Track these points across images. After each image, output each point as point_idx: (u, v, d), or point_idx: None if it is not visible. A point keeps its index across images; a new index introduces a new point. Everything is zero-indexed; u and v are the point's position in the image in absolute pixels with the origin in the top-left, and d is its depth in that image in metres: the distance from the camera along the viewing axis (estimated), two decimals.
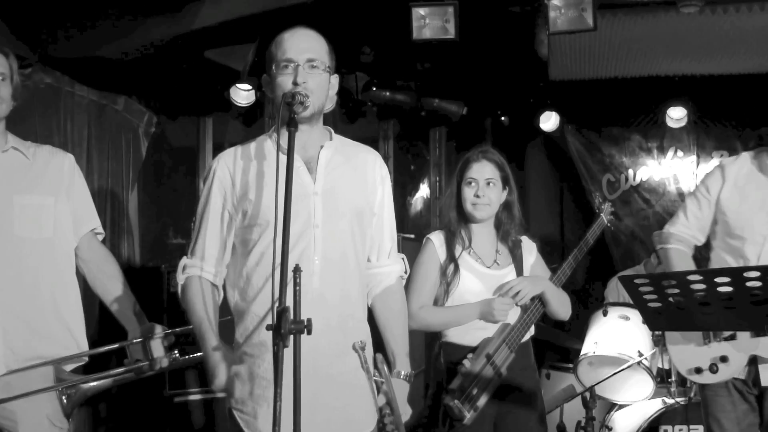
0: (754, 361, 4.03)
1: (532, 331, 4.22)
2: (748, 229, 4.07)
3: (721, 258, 4.21)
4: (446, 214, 4.27)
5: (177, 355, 3.63)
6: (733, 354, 4.02)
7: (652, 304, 2.60)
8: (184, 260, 3.16)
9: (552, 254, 4.89)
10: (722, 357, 4.03)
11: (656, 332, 5.26)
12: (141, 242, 7.21)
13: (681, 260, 4.30)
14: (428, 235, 4.24)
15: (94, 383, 3.58)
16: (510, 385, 4.05)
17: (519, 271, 4.23)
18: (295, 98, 2.89)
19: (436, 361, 4.15)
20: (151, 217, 7.55)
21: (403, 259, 3.43)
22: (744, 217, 4.10)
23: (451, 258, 4.13)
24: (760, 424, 4.08)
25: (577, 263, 4.47)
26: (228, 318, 3.22)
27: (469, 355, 4.00)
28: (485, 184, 4.16)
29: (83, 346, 3.71)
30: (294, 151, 2.75)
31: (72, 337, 3.67)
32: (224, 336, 3.09)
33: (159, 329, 3.66)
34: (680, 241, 4.35)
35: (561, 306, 4.28)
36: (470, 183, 4.17)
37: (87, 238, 3.79)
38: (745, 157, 4.25)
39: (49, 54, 5.99)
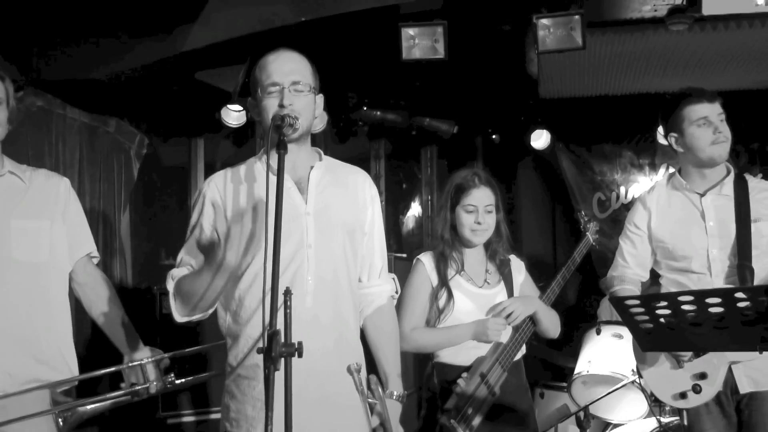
0: (729, 369, 3.98)
1: (523, 349, 4.23)
2: (689, 247, 4.07)
3: (672, 283, 4.20)
4: (439, 237, 4.25)
5: (173, 378, 3.62)
6: (711, 368, 3.97)
7: (643, 325, 2.60)
8: (170, 273, 3.16)
9: (543, 275, 4.89)
10: (701, 374, 3.96)
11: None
12: (133, 263, 7.19)
13: None
14: (418, 256, 4.24)
15: (91, 406, 3.56)
16: (503, 405, 4.04)
17: (509, 290, 4.25)
18: (285, 120, 2.90)
19: (429, 381, 4.13)
20: (143, 238, 7.53)
21: (393, 278, 3.44)
22: (680, 237, 4.11)
23: (443, 282, 4.13)
24: None
25: (565, 282, 4.50)
26: (221, 342, 3.22)
27: (464, 375, 3.99)
28: (485, 211, 4.16)
29: (74, 369, 3.69)
30: (278, 174, 2.74)
31: (64, 361, 3.66)
32: (218, 360, 3.07)
33: (154, 353, 3.66)
34: (623, 281, 4.37)
35: (552, 325, 4.30)
36: (470, 210, 4.16)
37: (83, 261, 3.79)
38: (660, 183, 4.33)
39: (41, 77, 5.99)
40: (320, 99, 3.21)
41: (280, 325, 2.47)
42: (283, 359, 2.43)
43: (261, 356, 2.49)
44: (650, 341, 2.72)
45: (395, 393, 3.25)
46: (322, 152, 3.30)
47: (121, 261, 7.03)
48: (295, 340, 2.45)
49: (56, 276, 3.69)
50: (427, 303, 4.15)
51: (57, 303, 3.69)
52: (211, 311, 3.13)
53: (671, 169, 8.33)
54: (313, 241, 3.07)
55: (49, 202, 3.68)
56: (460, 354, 4.09)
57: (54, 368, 3.60)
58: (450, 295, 4.09)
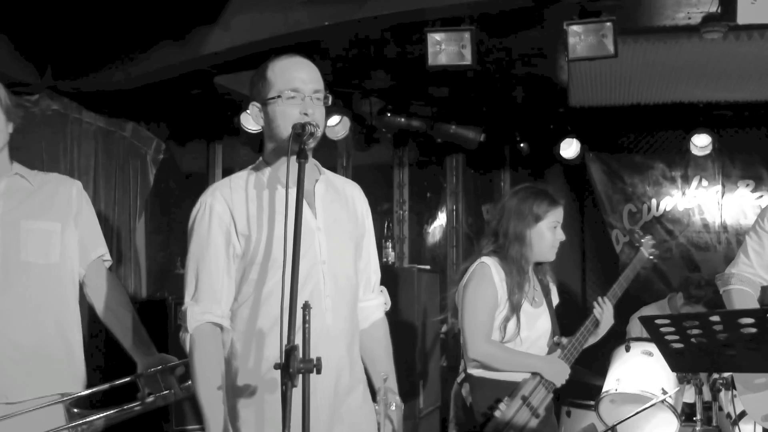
0: None
1: None
2: None
3: None
4: (520, 255, 4.16)
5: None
6: None
7: (674, 345, 2.59)
8: (188, 307, 3.01)
9: (570, 291, 4.88)
10: None
11: None
12: (147, 273, 7.20)
13: (742, 301, 4.17)
14: (482, 260, 4.19)
15: (107, 418, 3.58)
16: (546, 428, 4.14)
17: (551, 310, 4.29)
18: (305, 129, 2.86)
19: (458, 397, 4.18)
20: (158, 247, 7.54)
21: (382, 291, 3.43)
22: None
23: (512, 301, 4.10)
24: None
25: (616, 299, 4.44)
26: None
27: (506, 399, 3.98)
28: (561, 227, 4.20)
29: (81, 374, 3.71)
30: (297, 184, 2.72)
31: (74, 365, 3.69)
32: None
33: (170, 360, 3.69)
34: (742, 281, 4.23)
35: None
36: (555, 227, 4.18)
37: (95, 265, 3.81)
38: None
39: (58, 80, 6.03)
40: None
41: (297, 341, 2.46)
42: (301, 375, 2.41)
43: (275, 374, 2.48)
44: (680, 361, 2.71)
45: (394, 405, 3.25)
46: (320, 165, 3.27)
47: (136, 270, 7.04)
48: (313, 355, 2.44)
49: (68, 280, 3.71)
50: (494, 311, 4.11)
51: (68, 308, 3.71)
52: None
53: (704, 182, 8.32)
54: (327, 257, 3.06)
55: (60, 204, 3.71)
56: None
57: (63, 372, 3.63)
58: (518, 321, 4.09)
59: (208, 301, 3.01)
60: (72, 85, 6.14)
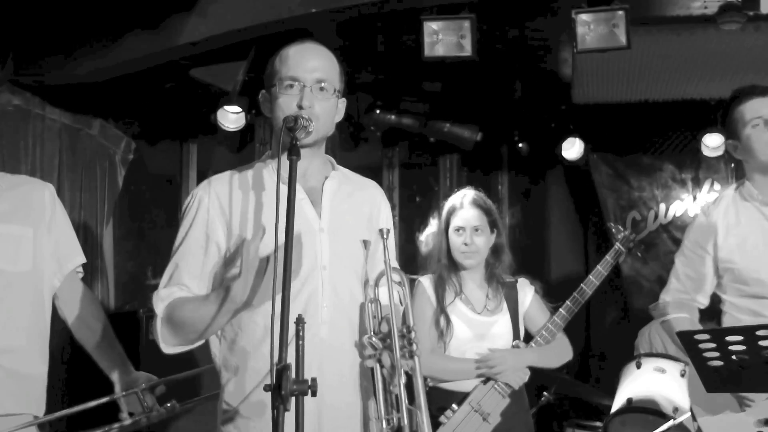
0: None
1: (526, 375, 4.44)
2: (764, 269, 3.88)
3: (741, 310, 4.03)
4: (435, 261, 4.55)
5: (175, 404, 3.59)
6: None
7: (712, 363, 2.48)
8: (156, 293, 2.98)
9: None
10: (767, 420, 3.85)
11: None
12: (116, 283, 7.10)
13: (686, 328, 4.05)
14: (419, 278, 4.49)
15: None
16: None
17: (513, 316, 4.52)
18: (298, 122, 2.77)
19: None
20: (128, 255, 7.45)
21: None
22: (752, 258, 3.93)
23: (441, 307, 4.42)
24: None
25: (585, 298, 4.64)
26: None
27: (453, 406, 4.27)
28: (473, 231, 4.46)
29: (43, 388, 3.63)
30: (289, 183, 2.63)
31: (42, 379, 3.62)
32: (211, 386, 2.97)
33: (150, 378, 3.63)
34: (680, 308, 4.21)
35: (555, 361, 4.60)
36: (458, 231, 4.48)
37: (70, 277, 3.76)
38: (726, 194, 4.15)
39: (19, 73, 5.93)
40: (342, 104, 3.13)
41: (289, 358, 2.37)
42: (294, 398, 2.31)
43: (266, 393, 2.38)
44: (718, 381, 2.61)
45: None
46: (334, 161, 3.21)
47: (103, 280, 6.97)
48: (307, 374, 2.35)
49: (40, 289, 3.64)
50: (432, 326, 4.41)
51: (40, 319, 3.64)
52: (202, 342, 2.99)
53: (717, 186, 8.23)
54: (328, 261, 2.97)
55: (32, 209, 3.64)
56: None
57: (34, 384, 3.57)
58: (448, 321, 4.38)
59: (178, 287, 2.97)
60: (34, 78, 6.05)
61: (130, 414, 3.58)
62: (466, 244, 4.43)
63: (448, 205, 4.58)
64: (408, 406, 2.82)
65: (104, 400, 3.62)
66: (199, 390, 4.90)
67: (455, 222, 4.48)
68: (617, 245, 4.78)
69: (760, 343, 2.37)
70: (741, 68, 6.56)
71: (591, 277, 4.65)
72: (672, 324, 4.21)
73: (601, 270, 4.66)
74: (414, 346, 2.88)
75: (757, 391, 3.74)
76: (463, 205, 4.50)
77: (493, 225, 4.53)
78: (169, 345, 2.94)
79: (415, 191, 8.87)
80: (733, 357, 2.46)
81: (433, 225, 8.75)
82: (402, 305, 3.03)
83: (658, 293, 8.19)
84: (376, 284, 3.03)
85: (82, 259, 3.80)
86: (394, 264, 3.10)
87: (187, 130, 7.81)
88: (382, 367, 2.90)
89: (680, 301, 4.22)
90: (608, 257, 4.72)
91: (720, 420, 3.95)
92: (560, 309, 4.57)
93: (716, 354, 2.47)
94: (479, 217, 4.48)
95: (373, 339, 2.92)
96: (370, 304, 3.00)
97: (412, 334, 2.90)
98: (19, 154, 6.15)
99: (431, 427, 3.52)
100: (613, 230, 4.98)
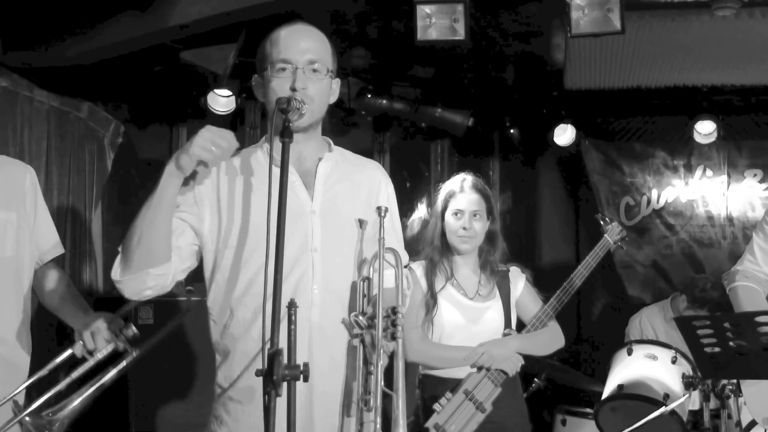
0: None
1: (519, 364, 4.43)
2: None
3: None
4: (429, 244, 4.51)
5: (134, 329, 3.41)
6: None
7: (709, 349, 2.47)
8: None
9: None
10: None
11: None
12: (104, 267, 7.04)
13: (749, 298, 4.18)
14: (411, 265, 4.29)
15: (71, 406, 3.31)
16: (495, 423, 4.26)
17: (505, 304, 4.51)
18: (290, 104, 2.76)
19: (415, 397, 4.38)
20: (117, 240, 7.36)
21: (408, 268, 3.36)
22: None
23: (431, 291, 4.39)
24: None
25: (575, 288, 4.66)
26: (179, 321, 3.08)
27: (447, 394, 4.21)
28: (471, 216, 4.42)
29: (25, 374, 3.61)
30: (282, 165, 2.61)
31: (26, 366, 3.62)
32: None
33: (107, 315, 3.48)
34: (747, 277, 4.25)
35: (543, 349, 4.58)
36: (456, 215, 4.43)
37: (49, 266, 3.75)
38: None
39: (5, 53, 5.87)
40: (336, 84, 3.11)
41: (279, 340, 2.35)
42: (285, 383, 2.30)
43: (257, 378, 2.36)
44: (714, 367, 2.60)
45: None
46: (331, 142, 3.19)
47: (92, 264, 6.91)
48: (298, 358, 2.35)
49: (22, 276, 3.63)
50: (422, 311, 4.37)
51: (21, 305, 3.63)
52: (162, 284, 2.92)
53: (709, 172, 8.23)
54: (320, 244, 2.95)
55: (14, 192, 3.61)
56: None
57: (19, 371, 3.56)
58: (435, 303, 4.35)
59: None
60: (22, 59, 5.98)
61: (89, 353, 3.40)
62: (465, 228, 4.39)
63: (446, 188, 4.54)
64: (384, 389, 2.79)
65: (68, 352, 3.45)
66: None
67: (454, 205, 4.44)
68: (605, 237, 4.86)
69: (759, 329, 2.35)
70: (735, 55, 6.55)
71: (580, 267, 4.69)
72: (737, 291, 4.28)
73: (590, 261, 4.72)
74: (398, 329, 2.86)
75: (755, 378, 3.75)
76: (464, 189, 4.46)
77: (490, 212, 4.51)
78: (119, 274, 2.90)
79: (405, 176, 8.83)
80: (731, 344, 2.45)
81: (420, 210, 8.80)
82: (396, 286, 3.01)
83: (653, 278, 8.26)
84: (371, 263, 3.01)
85: (60, 250, 3.79)
86: (395, 245, 3.13)
87: (177, 114, 7.75)
88: (365, 346, 2.88)
89: (749, 272, 4.28)
90: (597, 249, 4.79)
91: (763, 391, 3.95)
92: (551, 299, 4.57)
93: (713, 340, 2.46)
94: (479, 201, 4.45)
95: (360, 317, 2.90)
96: (361, 282, 2.98)
97: (398, 316, 2.87)
98: (6, 137, 6.09)
99: (405, 414, 3.53)
100: (601, 222, 5.00)
